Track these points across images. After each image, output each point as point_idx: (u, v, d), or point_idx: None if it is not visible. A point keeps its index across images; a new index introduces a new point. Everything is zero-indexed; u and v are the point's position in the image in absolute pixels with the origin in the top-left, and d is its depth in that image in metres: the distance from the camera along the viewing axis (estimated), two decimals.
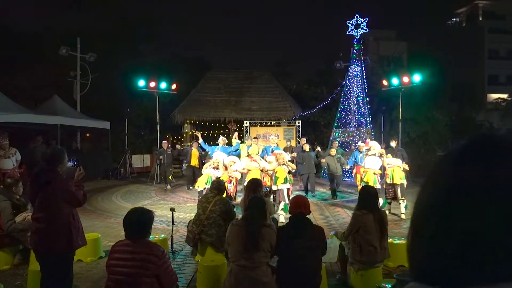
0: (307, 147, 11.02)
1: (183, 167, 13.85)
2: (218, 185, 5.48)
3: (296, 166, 10.34)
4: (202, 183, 8.47)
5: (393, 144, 10.27)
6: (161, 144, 13.10)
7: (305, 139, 12.45)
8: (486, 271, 0.42)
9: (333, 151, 10.85)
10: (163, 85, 14.67)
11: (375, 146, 9.03)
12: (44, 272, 3.67)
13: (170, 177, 12.56)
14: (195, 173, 11.59)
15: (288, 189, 8.53)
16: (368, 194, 4.40)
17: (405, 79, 13.68)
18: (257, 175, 8.26)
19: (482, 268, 0.43)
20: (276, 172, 8.48)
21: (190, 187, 11.64)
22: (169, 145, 13.30)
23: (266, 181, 8.68)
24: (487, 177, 0.46)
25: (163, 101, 15.84)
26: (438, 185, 0.51)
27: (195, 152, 12.23)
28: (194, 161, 12.17)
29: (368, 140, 11.10)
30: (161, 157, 12.69)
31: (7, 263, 5.08)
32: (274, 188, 8.49)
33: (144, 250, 2.82)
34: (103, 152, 15.93)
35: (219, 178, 7.75)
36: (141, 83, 14.28)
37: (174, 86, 15.13)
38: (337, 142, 12.16)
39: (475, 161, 0.48)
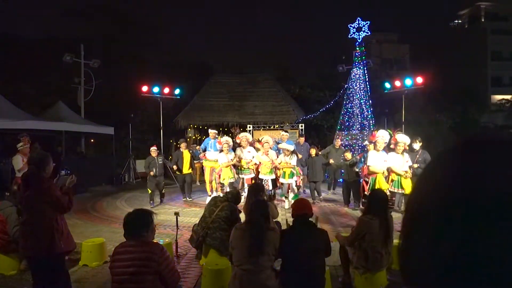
0: (313, 152, 9.67)
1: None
2: (236, 194, 5.63)
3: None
4: (227, 178, 9.21)
5: (416, 145, 8.47)
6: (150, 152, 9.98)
7: (303, 138, 11.35)
8: (485, 274, 0.40)
9: (338, 142, 10.65)
10: (166, 90, 14.77)
11: (384, 138, 8.06)
12: (34, 276, 3.74)
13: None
14: (186, 181, 10.40)
15: (296, 181, 9.32)
16: (377, 199, 4.30)
17: (408, 82, 13.67)
18: (267, 168, 9.31)
19: (481, 271, 0.40)
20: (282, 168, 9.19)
21: (188, 198, 10.51)
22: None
23: (279, 174, 9.46)
24: (488, 174, 0.43)
25: (166, 106, 15.92)
26: (437, 182, 0.48)
27: (186, 155, 10.35)
28: (186, 167, 10.29)
29: (375, 133, 8.99)
30: (153, 169, 9.70)
31: (13, 269, 5.12)
32: (282, 181, 9.21)
33: (144, 249, 2.91)
34: (107, 158, 16.00)
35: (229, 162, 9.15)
36: (145, 88, 14.39)
37: (177, 91, 15.22)
38: (339, 141, 11.00)
39: (477, 156, 0.46)
